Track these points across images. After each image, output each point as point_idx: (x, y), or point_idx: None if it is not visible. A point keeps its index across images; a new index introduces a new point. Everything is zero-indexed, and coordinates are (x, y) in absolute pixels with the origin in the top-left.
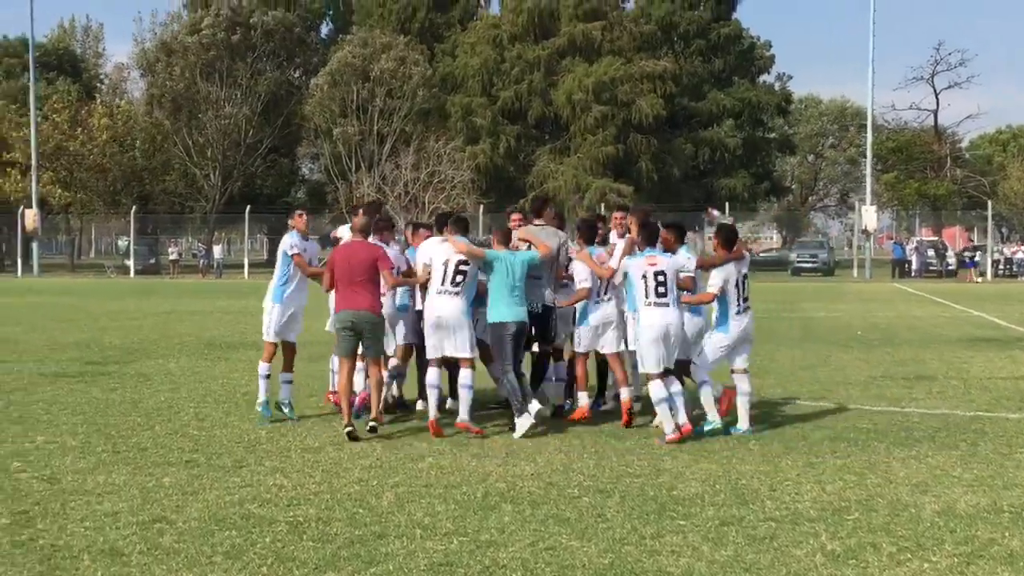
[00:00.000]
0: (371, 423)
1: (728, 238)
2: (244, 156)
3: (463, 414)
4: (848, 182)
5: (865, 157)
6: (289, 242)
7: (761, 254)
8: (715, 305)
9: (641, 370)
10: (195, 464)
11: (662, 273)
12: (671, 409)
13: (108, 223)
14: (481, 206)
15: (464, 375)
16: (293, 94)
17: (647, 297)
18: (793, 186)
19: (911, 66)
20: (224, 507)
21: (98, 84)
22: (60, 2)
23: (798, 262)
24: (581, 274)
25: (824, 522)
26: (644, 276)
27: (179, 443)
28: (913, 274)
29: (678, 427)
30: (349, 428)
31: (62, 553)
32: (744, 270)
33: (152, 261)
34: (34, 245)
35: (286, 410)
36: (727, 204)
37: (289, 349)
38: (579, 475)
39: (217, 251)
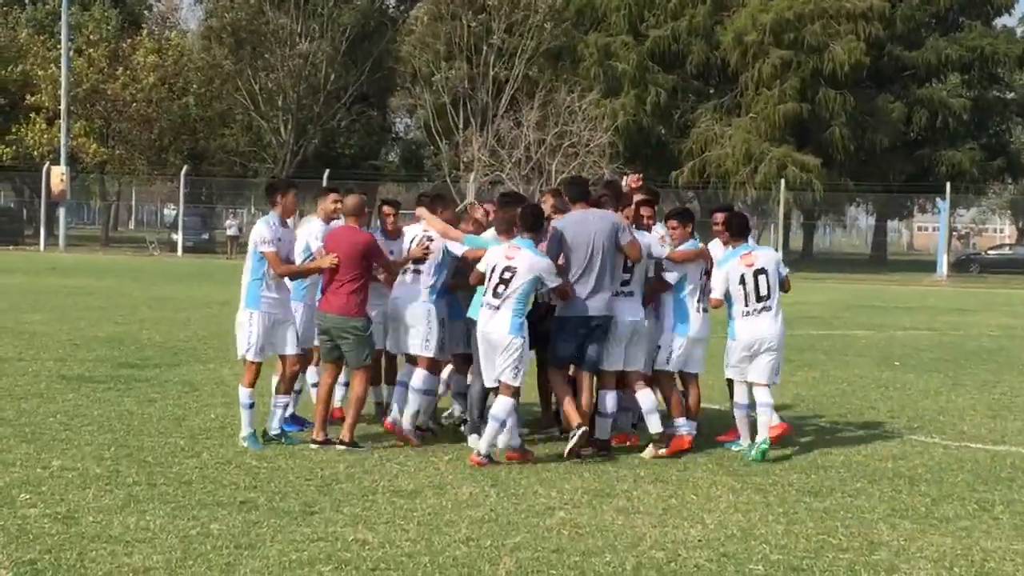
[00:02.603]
0: (339, 441)
1: (741, 226)
2: (323, 107)
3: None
4: None
5: None
6: (260, 234)
7: (990, 252)
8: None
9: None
10: (252, 506)
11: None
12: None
13: (152, 187)
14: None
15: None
16: (386, 28)
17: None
18: None
19: None
20: (288, 568)
21: (145, 12)
22: None
23: None
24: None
25: None
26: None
27: (233, 476)
28: None
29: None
30: (319, 439)
31: None
32: (761, 264)
33: (205, 236)
34: (61, 211)
35: (283, 440)
36: (948, 184)
37: (289, 364)
38: (763, 544)
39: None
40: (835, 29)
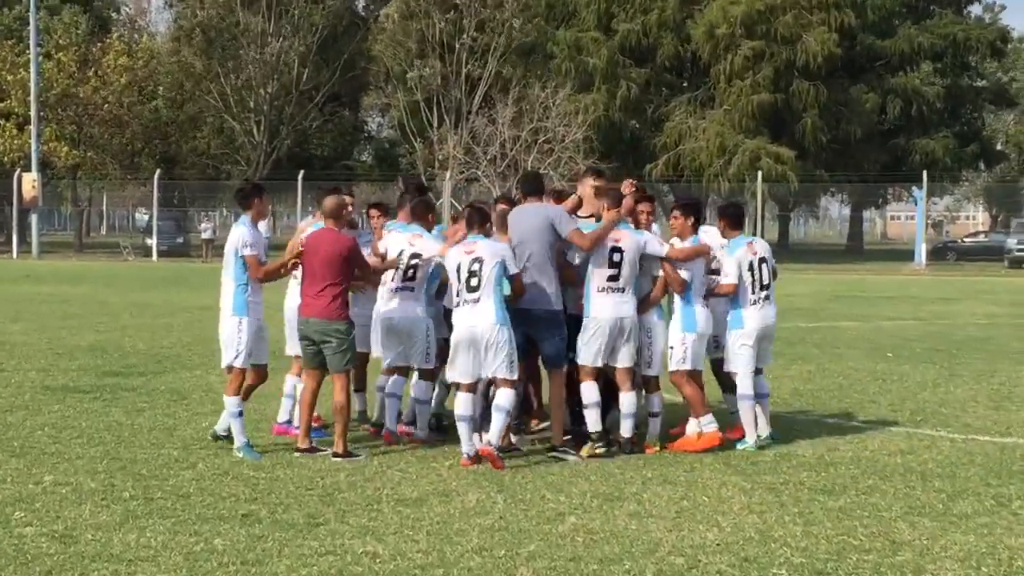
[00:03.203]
0: (333, 454)
1: (737, 216)
2: (295, 107)
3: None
4: None
5: None
6: (243, 238)
7: (966, 240)
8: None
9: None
10: (255, 519)
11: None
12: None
13: (124, 191)
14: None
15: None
16: (358, 27)
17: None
18: (1008, 150)
19: None
20: None
21: (114, 15)
22: None
23: (1018, 250)
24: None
25: None
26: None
27: (231, 488)
28: None
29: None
30: (303, 447)
31: None
32: (762, 253)
33: (180, 240)
34: (33, 218)
35: (243, 453)
36: (924, 173)
37: (257, 375)
38: (783, 547)
39: (262, 227)
40: (807, 20)
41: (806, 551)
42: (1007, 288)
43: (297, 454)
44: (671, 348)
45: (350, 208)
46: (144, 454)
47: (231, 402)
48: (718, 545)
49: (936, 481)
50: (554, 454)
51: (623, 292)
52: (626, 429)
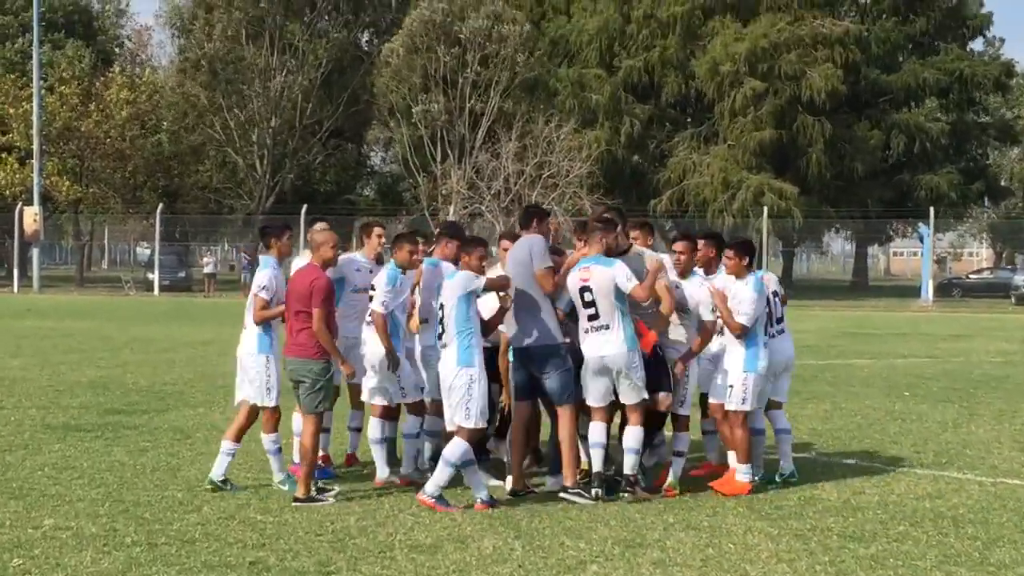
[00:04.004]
0: (294, 499)
1: (753, 250)
2: (299, 141)
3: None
4: None
5: None
6: (258, 279)
7: (971, 276)
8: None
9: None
10: (264, 567)
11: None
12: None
13: (126, 225)
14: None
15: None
16: (361, 62)
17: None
18: (1014, 187)
19: None
20: None
21: (117, 49)
22: None
23: None
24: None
25: None
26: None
27: (238, 533)
28: None
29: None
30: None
31: None
32: (773, 287)
33: (182, 275)
34: (34, 252)
35: (228, 488)
36: (931, 209)
37: (269, 413)
38: None
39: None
40: (811, 56)
41: None
42: (1016, 325)
43: (296, 503)
44: (730, 387)
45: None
46: (147, 496)
47: (268, 439)
48: None
49: (969, 528)
50: (565, 495)
51: (607, 329)
52: (628, 465)
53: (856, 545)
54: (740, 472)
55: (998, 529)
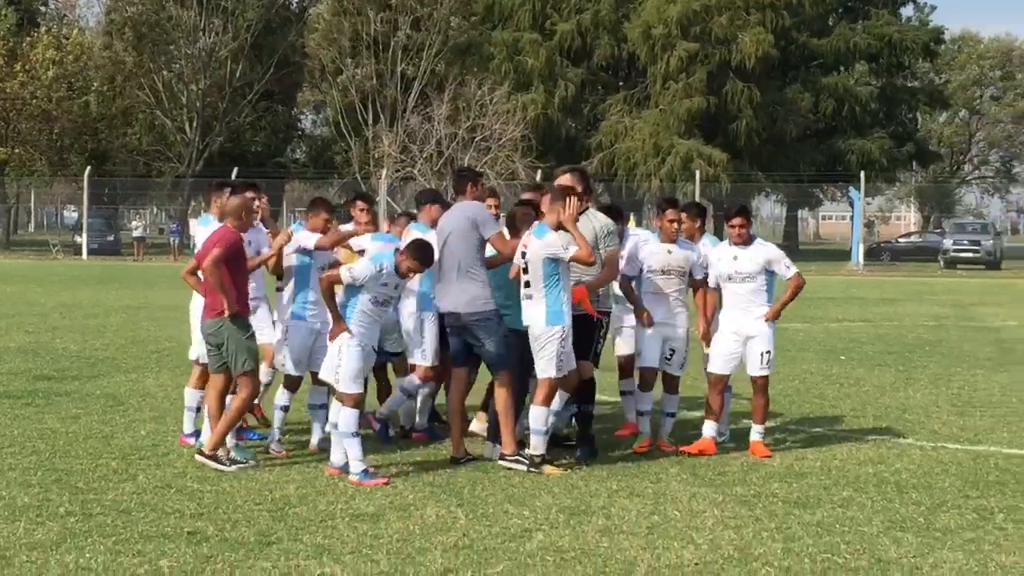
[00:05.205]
0: (198, 451)
1: (703, 213)
2: (228, 103)
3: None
4: (1013, 146)
5: None
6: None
7: (900, 240)
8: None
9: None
10: (202, 537)
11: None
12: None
13: (53, 188)
14: (539, 172)
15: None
16: (291, 23)
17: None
18: (942, 150)
19: None
20: None
21: (42, 8)
22: None
23: (954, 251)
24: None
25: None
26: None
27: (175, 502)
28: None
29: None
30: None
31: None
32: None
33: (111, 238)
34: None
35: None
36: (862, 174)
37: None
38: (766, 567)
39: (194, 225)
40: (742, 19)
41: (789, 571)
42: (946, 289)
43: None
44: (767, 352)
45: (257, 207)
46: (81, 465)
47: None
48: (697, 565)
49: (913, 493)
50: (503, 462)
51: (530, 300)
52: (533, 445)
53: (801, 511)
54: (755, 432)
55: (941, 494)
